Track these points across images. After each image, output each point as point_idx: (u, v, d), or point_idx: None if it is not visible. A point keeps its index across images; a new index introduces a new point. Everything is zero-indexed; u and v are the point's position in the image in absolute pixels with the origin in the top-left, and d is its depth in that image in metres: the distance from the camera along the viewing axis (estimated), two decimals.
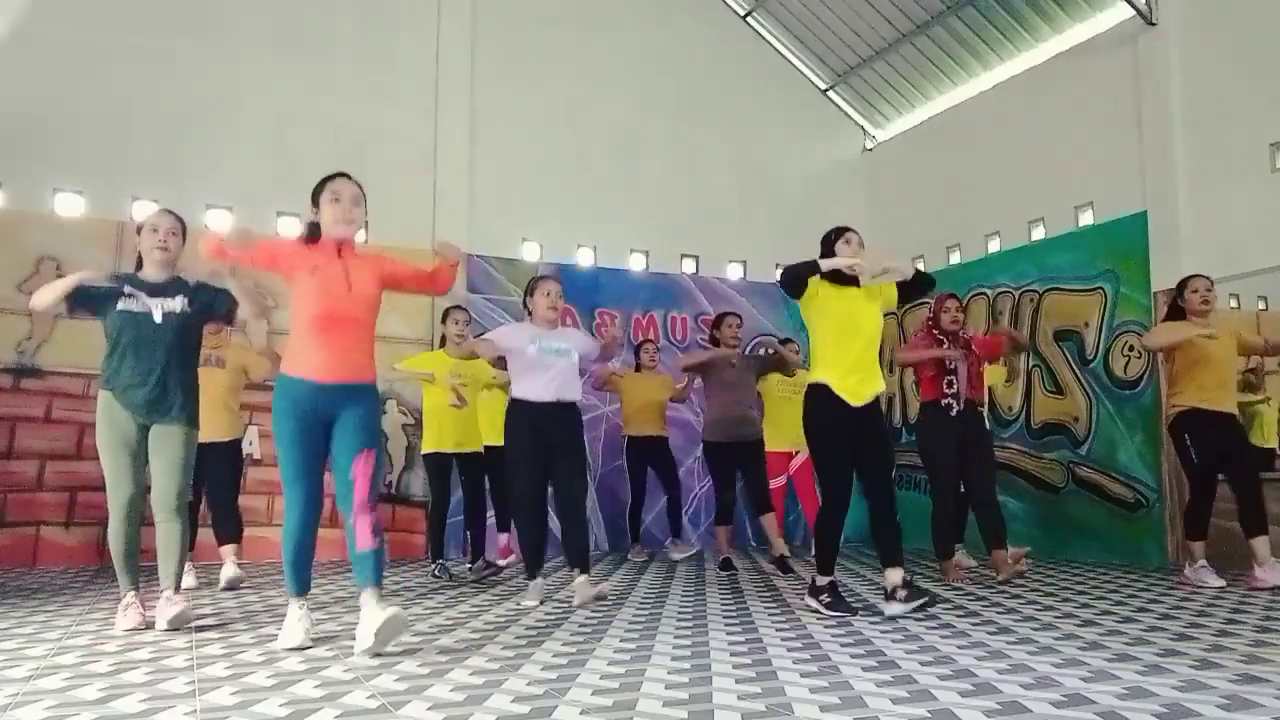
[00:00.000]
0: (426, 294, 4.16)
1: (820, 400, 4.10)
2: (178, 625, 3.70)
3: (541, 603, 4.45)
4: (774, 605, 4.36)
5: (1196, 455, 5.07)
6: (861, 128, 9.57)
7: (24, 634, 3.62)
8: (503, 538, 6.57)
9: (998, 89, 8.11)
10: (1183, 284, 5.29)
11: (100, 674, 2.86)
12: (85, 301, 3.86)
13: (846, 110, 9.53)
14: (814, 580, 4.14)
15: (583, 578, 4.42)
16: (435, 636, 3.54)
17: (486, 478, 5.97)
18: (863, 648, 3.24)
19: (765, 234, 8.95)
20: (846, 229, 4.29)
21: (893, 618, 3.90)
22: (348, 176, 3.52)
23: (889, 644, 3.30)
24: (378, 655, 3.12)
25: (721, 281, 8.74)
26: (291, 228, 7.39)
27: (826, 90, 9.45)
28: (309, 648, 3.28)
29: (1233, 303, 6.32)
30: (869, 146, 9.54)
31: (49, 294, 3.81)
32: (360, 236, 3.82)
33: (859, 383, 4.09)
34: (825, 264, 4.14)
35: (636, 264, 8.53)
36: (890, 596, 3.99)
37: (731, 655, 3.11)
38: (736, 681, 2.71)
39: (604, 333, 4.76)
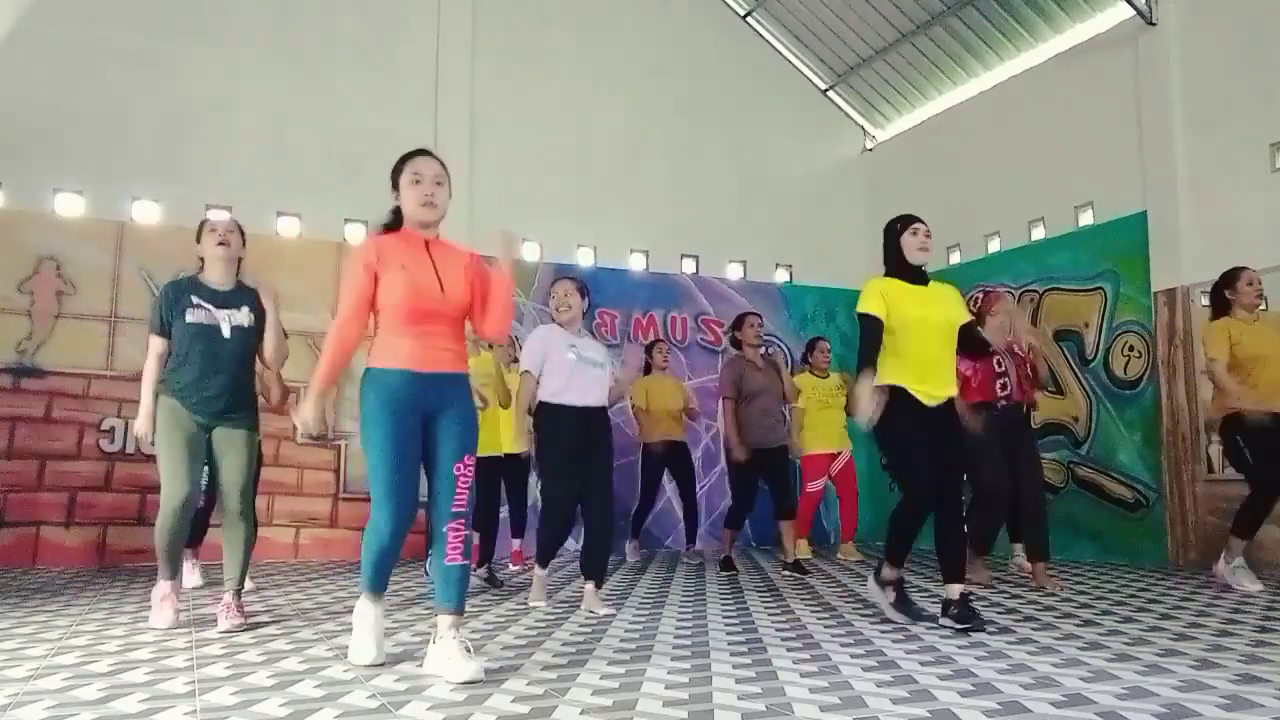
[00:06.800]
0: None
1: (895, 401, 3.83)
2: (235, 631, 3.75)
3: (547, 601, 4.44)
4: (774, 605, 4.36)
5: (1252, 456, 4.86)
6: (861, 128, 9.56)
7: (24, 634, 3.61)
8: (515, 543, 6.51)
9: (998, 89, 8.11)
10: (1232, 276, 5.02)
11: (100, 674, 2.86)
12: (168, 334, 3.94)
13: (846, 110, 9.53)
14: (880, 567, 3.97)
15: (593, 590, 4.37)
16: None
17: (504, 484, 5.92)
18: (863, 648, 3.24)
19: (765, 234, 8.96)
20: (914, 219, 4.02)
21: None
22: (429, 153, 3.15)
23: (889, 644, 3.30)
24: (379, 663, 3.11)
25: (721, 281, 8.73)
26: (291, 227, 7.41)
27: (826, 90, 9.45)
28: (382, 664, 3.03)
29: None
30: (869, 146, 9.54)
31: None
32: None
33: (933, 384, 3.88)
34: (866, 388, 3.79)
35: (636, 264, 8.53)
36: (945, 612, 3.76)
37: (731, 655, 3.11)
38: (736, 681, 2.70)
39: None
